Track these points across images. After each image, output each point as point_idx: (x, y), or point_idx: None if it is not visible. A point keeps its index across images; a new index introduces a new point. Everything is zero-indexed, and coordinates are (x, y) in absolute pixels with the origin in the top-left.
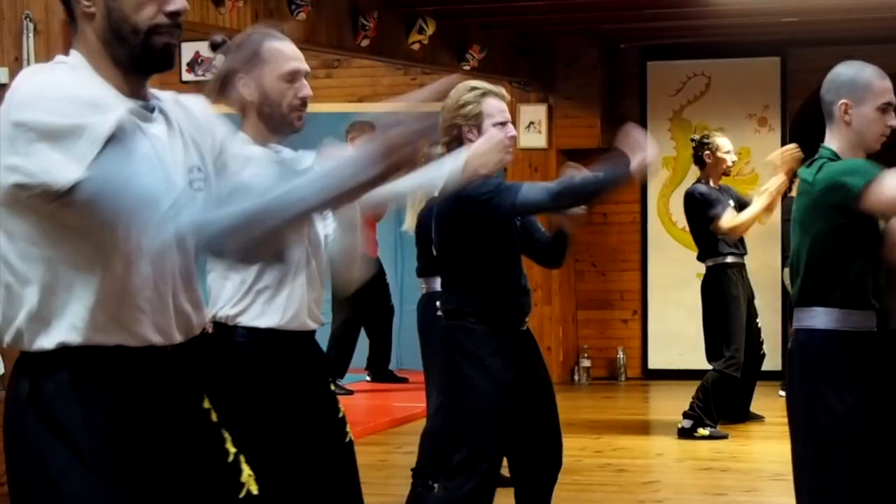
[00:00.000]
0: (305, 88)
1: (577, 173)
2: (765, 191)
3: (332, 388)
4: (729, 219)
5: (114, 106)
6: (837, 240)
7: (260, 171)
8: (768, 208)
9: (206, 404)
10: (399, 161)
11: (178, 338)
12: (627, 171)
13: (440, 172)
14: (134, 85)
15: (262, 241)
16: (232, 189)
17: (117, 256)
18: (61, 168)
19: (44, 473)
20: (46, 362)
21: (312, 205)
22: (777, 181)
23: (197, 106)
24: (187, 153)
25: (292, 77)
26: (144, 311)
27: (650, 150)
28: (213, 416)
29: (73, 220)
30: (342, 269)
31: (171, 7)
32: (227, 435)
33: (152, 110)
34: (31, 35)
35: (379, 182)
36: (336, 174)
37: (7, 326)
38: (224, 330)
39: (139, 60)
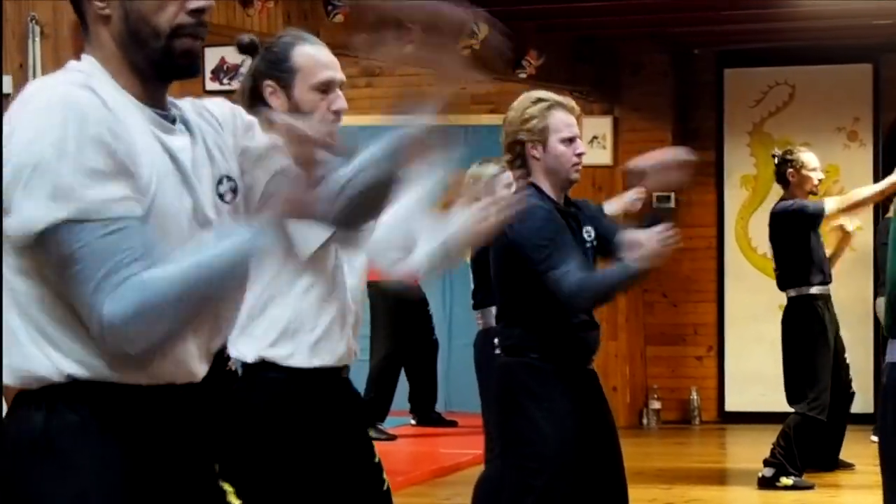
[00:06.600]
0: (340, 100)
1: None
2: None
3: (371, 432)
4: (835, 198)
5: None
6: None
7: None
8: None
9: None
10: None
11: (200, 373)
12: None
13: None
14: (153, 92)
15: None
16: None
17: None
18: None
19: None
20: (53, 397)
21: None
22: None
23: (217, 108)
24: (213, 164)
25: (326, 87)
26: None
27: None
28: (215, 467)
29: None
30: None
31: (194, 4)
32: (229, 487)
33: (173, 120)
34: (37, 39)
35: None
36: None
37: (13, 362)
38: (250, 369)
39: (160, 66)
